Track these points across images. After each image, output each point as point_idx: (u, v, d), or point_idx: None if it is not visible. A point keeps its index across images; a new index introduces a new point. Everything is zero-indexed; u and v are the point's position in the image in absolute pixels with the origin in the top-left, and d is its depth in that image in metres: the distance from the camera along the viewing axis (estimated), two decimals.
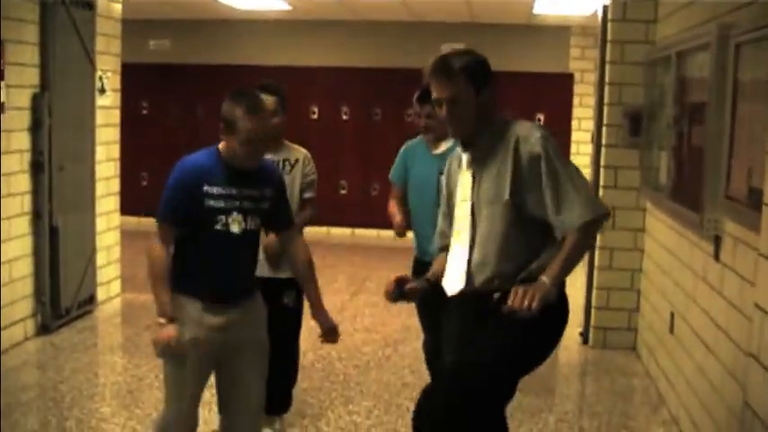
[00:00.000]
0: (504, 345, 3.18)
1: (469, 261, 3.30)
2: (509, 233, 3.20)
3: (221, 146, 3.59)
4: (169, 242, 3.59)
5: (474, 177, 3.28)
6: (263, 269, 4.35)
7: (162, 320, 3.52)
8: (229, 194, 3.54)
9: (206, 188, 3.52)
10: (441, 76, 3.23)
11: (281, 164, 4.65)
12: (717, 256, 4.36)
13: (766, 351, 2.88)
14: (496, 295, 3.19)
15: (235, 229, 3.55)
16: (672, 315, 5.36)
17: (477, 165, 3.28)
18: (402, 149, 5.02)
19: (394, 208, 4.95)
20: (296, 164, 4.75)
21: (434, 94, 3.26)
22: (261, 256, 4.20)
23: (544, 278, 3.06)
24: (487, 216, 3.23)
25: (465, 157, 3.34)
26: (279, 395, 4.77)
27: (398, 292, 3.51)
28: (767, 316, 2.87)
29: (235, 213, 3.55)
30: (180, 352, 3.55)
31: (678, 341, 5.20)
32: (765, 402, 2.84)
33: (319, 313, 4.00)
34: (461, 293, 3.35)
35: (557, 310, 3.23)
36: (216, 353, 3.71)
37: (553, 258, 3.12)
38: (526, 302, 2.97)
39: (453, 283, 3.37)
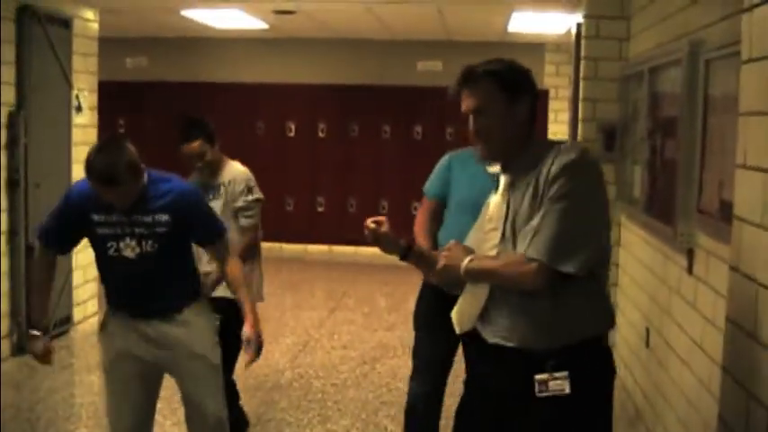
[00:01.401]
0: None
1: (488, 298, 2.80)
2: None
3: None
4: (47, 259, 3.78)
5: (508, 206, 2.76)
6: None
7: (34, 332, 3.79)
8: (118, 222, 3.57)
9: (93, 216, 3.59)
10: (464, 85, 2.77)
11: (218, 188, 4.75)
12: (690, 270, 4.39)
13: (738, 364, 2.90)
14: (551, 362, 2.68)
15: (128, 253, 3.60)
16: (647, 330, 5.38)
17: (512, 191, 2.76)
18: (445, 158, 4.42)
19: (420, 232, 4.36)
20: (222, 188, 4.77)
21: (462, 108, 2.79)
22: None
23: (465, 262, 2.73)
24: (521, 249, 2.68)
25: (502, 180, 2.83)
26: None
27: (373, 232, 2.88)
28: (738, 329, 2.90)
29: (128, 239, 3.58)
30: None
31: (654, 355, 5.22)
32: (738, 415, 2.86)
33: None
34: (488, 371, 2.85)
35: (595, 382, 2.77)
36: (151, 366, 3.76)
37: (488, 259, 2.75)
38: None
39: (464, 319, 2.89)
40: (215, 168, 4.77)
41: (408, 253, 2.93)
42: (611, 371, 2.86)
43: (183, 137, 4.70)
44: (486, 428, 2.87)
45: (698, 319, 4.21)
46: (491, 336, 2.78)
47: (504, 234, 2.76)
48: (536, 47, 10.96)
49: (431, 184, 4.43)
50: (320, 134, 11.91)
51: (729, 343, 3.01)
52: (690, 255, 4.40)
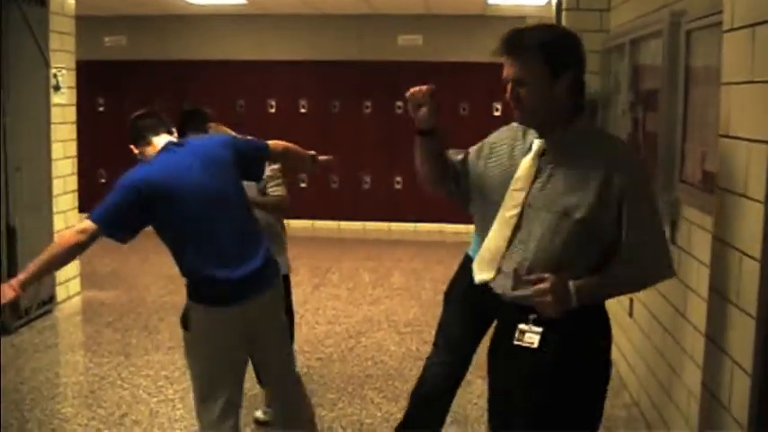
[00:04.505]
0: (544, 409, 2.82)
1: (506, 256, 2.83)
2: (565, 248, 2.73)
3: None
4: None
5: (539, 171, 2.78)
6: None
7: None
8: None
9: None
10: (508, 51, 2.70)
11: None
12: (673, 240, 4.41)
13: (721, 332, 2.93)
14: (532, 316, 2.77)
15: None
16: (631, 299, 5.42)
17: (549, 162, 2.77)
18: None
19: None
20: None
21: (503, 73, 2.73)
22: None
23: (573, 292, 2.68)
24: (546, 223, 2.74)
25: (536, 144, 2.81)
26: None
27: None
28: (721, 297, 2.92)
29: None
30: None
31: (637, 325, 5.26)
32: (722, 383, 2.89)
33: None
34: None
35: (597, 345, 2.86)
36: None
37: (597, 281, 2.75)
38: (548, 309, 2.67)
39: (483, 268, 2.89)
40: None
41: (432, 134, 2.91)
42: (603, 335, 2.88)
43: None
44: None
45: (681, 288, 4.23)
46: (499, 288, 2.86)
47: (528, 197, 2.77)
48: (516, 20, 10.90)
49: None
50: (301, 110, 11.88)
51: (713, 311, 3.04)
52: (673, 225, 4.42)
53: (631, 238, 2.70)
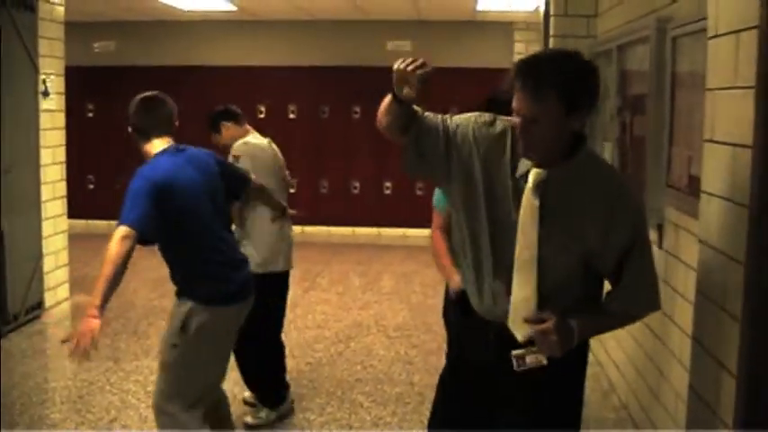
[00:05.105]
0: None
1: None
2: (559, 280, 2.72)
3: None
4: None
5: (541, 207, 2.66)
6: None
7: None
8: None
9: None
10: (522, 86, 2.55)
11: None
12: (660, 244, 4.44)
13: (708, 335, 2.95)
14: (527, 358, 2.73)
15: None
16: None
17: (550, 195, 2.66)
18: None
19: (443, 255, 3.90)
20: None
21: (514, 102, 2.58)
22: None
23: (576, 333, 2.68)
24: (547, 257, 2.68)
25: (533, 175, 2.65)
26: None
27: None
28: (708, 300, 2.94)
29: None
30: None
31: (626, 329, 5.27)
32: (709, 385, 2.91)
33: None
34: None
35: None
36: None
37: (594, 318, 2.80)
38: (552, 348, 2.65)
39: (520, 326, 2.75)
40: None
41: (407, 103, 2.95)
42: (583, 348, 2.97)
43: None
44: (468, 397, 3.01)
45: (669, 292, 4.26)
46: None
47: (541, 232, 2.67)
48: (505, 25, 10.97)
49: (438, 195, 3.96)
50: (290, 116, 11.89)
51: (699, 314, 3.06)
52: (659, 229, 4.45)
53: (631, 276, 2.72)
